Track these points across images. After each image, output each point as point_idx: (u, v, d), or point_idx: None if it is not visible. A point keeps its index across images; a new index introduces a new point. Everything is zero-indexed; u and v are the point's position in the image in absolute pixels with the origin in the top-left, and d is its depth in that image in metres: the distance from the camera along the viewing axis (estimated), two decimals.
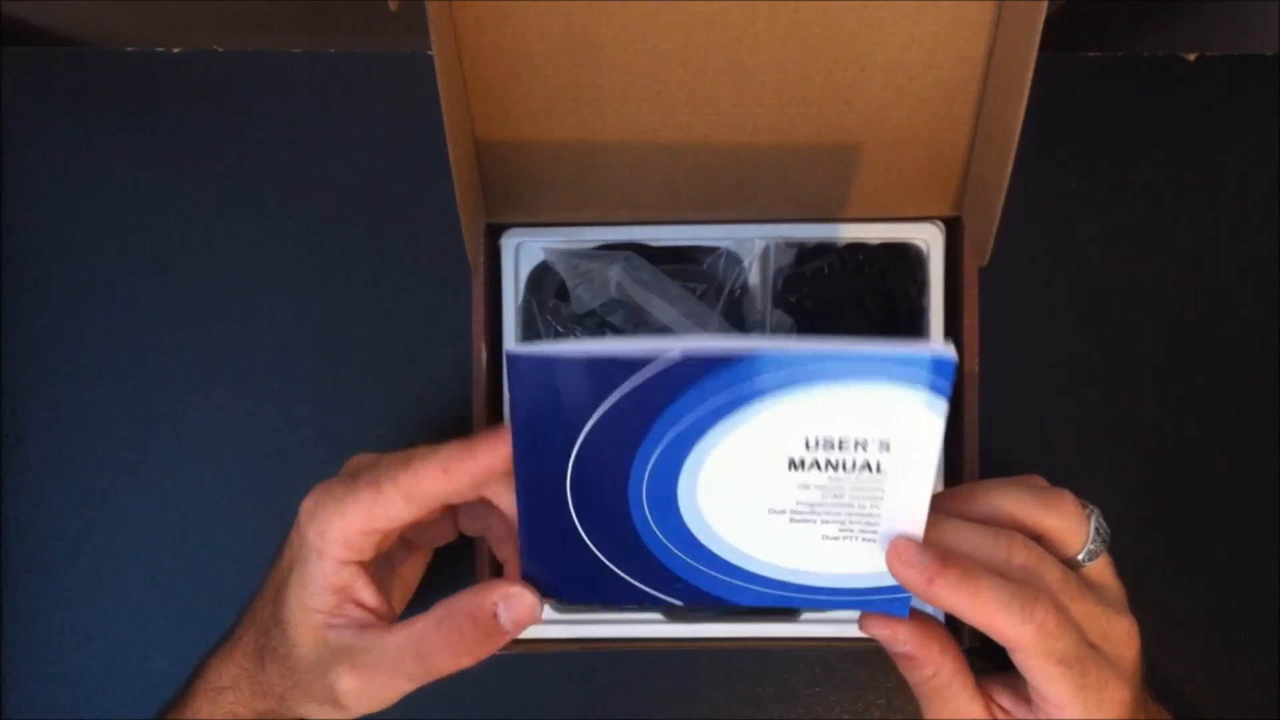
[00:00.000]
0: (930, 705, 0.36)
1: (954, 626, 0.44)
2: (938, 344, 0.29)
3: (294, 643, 0.35)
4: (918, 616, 0.35)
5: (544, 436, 0.31)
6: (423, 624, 0.34)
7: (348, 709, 0.35)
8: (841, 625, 0.44)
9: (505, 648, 0.43)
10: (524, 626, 0.34)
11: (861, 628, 0.35)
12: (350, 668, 0.34)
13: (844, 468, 0.31)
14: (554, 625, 0.45)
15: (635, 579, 0.35)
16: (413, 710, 0.45)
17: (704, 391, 0.30)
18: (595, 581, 0.35)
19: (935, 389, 0.29)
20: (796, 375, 0.29)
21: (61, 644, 0.48)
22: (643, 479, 0.32)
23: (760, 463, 0.31)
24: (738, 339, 0.31)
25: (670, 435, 0.31)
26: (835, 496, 0.32)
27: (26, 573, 0.48)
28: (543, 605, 0.34)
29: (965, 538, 0.33)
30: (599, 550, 0.34)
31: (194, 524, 0.48)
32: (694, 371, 0.29)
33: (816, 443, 0.31)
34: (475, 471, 0.33)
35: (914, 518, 0.32)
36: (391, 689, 0.34)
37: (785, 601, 0.35)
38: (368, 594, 0.35)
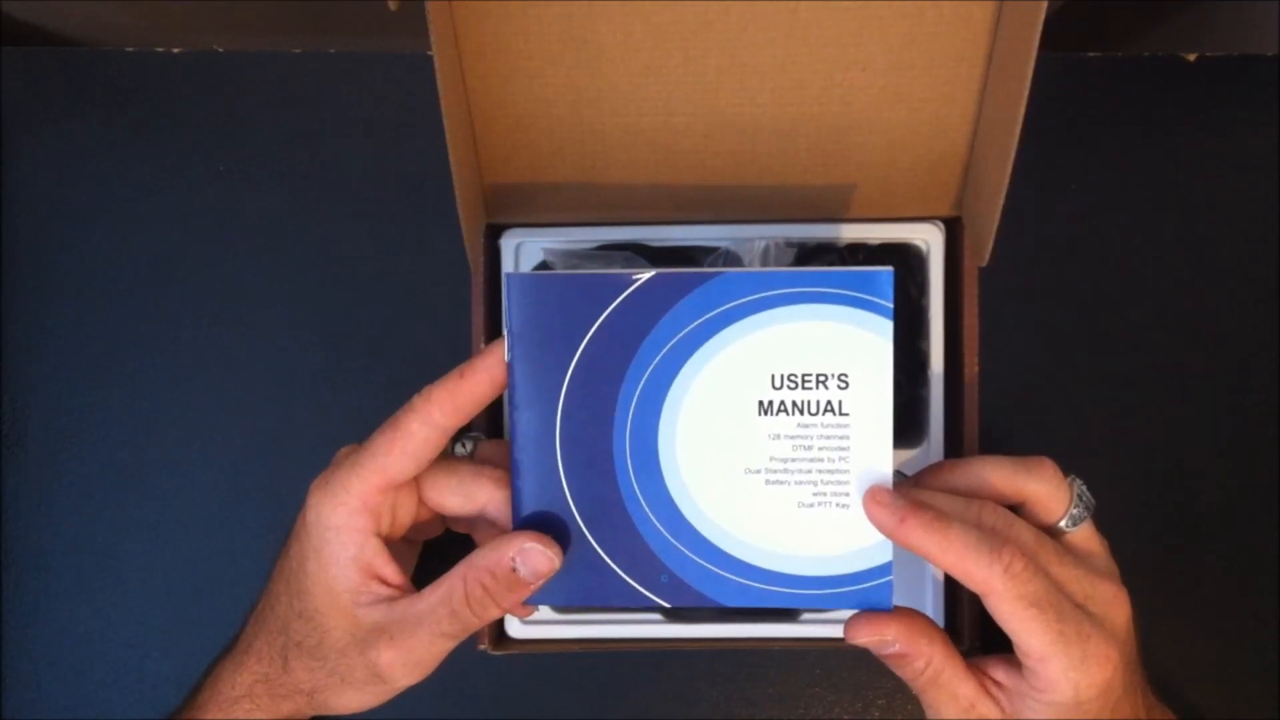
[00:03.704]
0: (927, 695, 0.36)
1: (954, 628, 0.44)
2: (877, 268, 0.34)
3: (324, 629, 0.35)
4: (900, 612, 0.35)
5: (539, 366, 0.34)
6: (450, 582, 0.35)
7: (392, 681, 0.35)
8: (841, 626, 0.44)
9: (506, 648, 0.44)
10: (543, 576, 0.34)
11: (848, 638, 0.35)
12: (389, 640, 0.34)
13: (809, 410, 0.34)
14: (554, 625, 0.45)
15: (622, 569, 0.35)
16: (414, 710, 0.45)
17: (678, 317, 0.34)
18: (587, 578, 0.36)
19: (878, 309, 0.34)
20: (757, 294, 0.34)
21: (61, 644, 0.48)
22: (626, 422, 0.34)
23: (732, 406, 0.34)
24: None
25: (651, 366, 0.34)
26: (805, 449, 0.34)
27: (26, 573, 0.48)
28: (559, 558, 0.35)
29: (936, 501, 0.34)
30: (589, 530, 0.35)
31: (194, 524, 0.48)
32: (668, 292, 0.34)
33: (782, 380, 0.34)
34: (490, 365, 0.35)
35: (880, 473, 0.34)
36: (434, 650, 0.35)
37: (769, 599, 0.35)
38: (389, 570, 0.35)
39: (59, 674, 0.48)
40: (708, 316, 0.34)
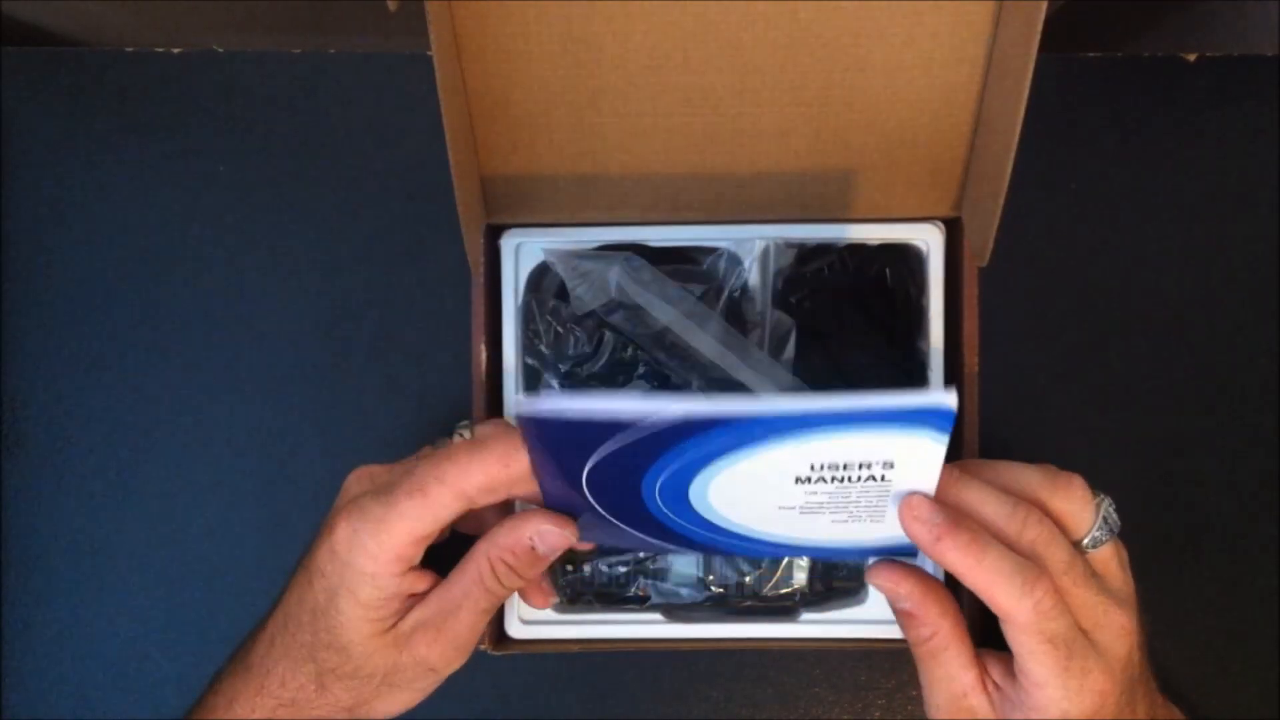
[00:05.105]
0: (924, 667, 0.36)
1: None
2: (939, 392, 0.28)
3: (364, 655, 0.35)
4: (922, 575, 0.35)
5: (557, 466, 0.33)
6: (476, 561, 0.36)
7: (442, 669, 0.37)
8: (841, 626, 0.44)
9: (506, 648, 0.44)
10: (560, 550, 0.36)
11: (867, 578, 0.36)
12: (435, 632, 0.36)
13: (850, 481, 0.31)
14: (554, 625, 0.45)
15: (653, 538, 0.36)
16: (413, 710, 0.45)
17: (708, 438, 0.29)
18: (616, 534, 0.36)
19: (937, 432, 0.29)
20: (799, 425, 0.29)
21: (61, 644, 0.48)
22: (654, 492, 0.33)
23: (768, 482, 0.32)
24: (737, 397, 0.29)
25: (674, 467, 0.31)
26: (843, 499, 0.33)
27: (26, 573, 0.48)
28: (575, 535, 0.36)
29: (987, 501, 0.34)
30: (617, 520, 0.36)
31: (194, 524, 0.48)
32: (692, 426, 0.29)
33: (823, 466, 0.31)
34: (522, 457, 0.34)
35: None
36: (475, 629, 0.37)
37: (798, 553, 0.36)
38: (422, 583, 0.36)
39: (59, 674, 0.48)
40: (738, 442, 0.30)
